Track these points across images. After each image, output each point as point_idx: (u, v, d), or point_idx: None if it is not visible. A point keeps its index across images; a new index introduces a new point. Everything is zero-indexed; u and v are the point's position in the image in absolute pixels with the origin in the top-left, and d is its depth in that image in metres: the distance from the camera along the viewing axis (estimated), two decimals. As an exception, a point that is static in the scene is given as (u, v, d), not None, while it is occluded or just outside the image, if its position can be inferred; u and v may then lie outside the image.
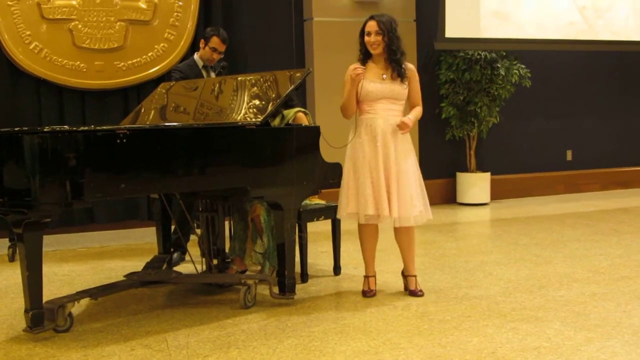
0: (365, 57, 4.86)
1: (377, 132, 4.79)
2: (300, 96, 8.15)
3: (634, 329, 4.11)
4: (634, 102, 10.85)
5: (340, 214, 4.97)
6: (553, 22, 9.50)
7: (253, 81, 5.17)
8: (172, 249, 5.61)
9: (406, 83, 4.85)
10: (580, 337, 3.99)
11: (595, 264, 5.80)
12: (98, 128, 3.97)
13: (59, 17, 7.33)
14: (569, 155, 10.53)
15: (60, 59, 7.35)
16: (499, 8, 9.22)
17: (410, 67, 4.91)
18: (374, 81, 4.81)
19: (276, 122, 5.29)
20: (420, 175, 4.94)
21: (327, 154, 4.89)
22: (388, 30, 4.81)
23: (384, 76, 4.82)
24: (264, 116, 4.67)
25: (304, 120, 5.34)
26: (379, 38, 4.79)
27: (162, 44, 7.70)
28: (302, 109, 5.47)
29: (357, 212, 4.83)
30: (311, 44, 8.59)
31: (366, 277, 5.03)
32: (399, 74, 4.82)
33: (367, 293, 4.96)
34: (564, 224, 7.86)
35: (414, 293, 4.93)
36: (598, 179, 10.65)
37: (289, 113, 5.36)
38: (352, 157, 4.88)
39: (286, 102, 5.16)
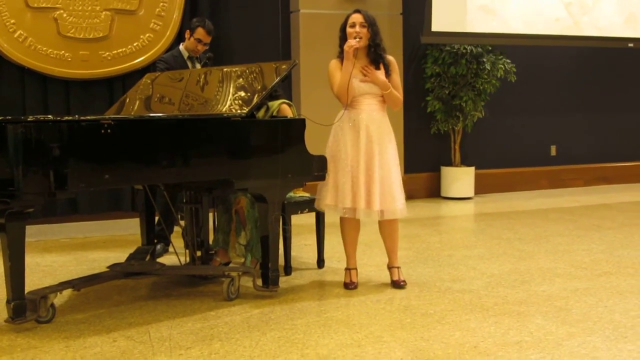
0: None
1: (361, 127, 4.81)
2: (286, 88, 8.14)
3: (614, 324, 4.14)
4: (619, 98, 10.89)
5: (318, 205, 5.01)
6: (539, 17, 9.52)
7: (239, 72, 5.15)
8: (155, 241, 5.59)
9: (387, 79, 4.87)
10: (562, 332, 4.01)
11: (578, 259, 5.83)
12: (82, 118, 3.94)
13: (43, 5, 7.28)
14: (553, 151, 10.57)
15: (44, 48, 7.30)
16: (486, 2, 9.22)
17: (390, 59, 4.94)
18: (356, 77, 4.82)
19: (261, 113, 5.28)
20: (399, 170, 4.96)
21: (312, 146, 4.88)
22: (372, 24, 4.85)
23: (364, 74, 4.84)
24: (249, 108, 4.66)
25: (288, 112, 5.33)
26: (364, 30, 4.81)
27: (147, 34, 7.67)
28: (287, 101, 5.46)
29: (336, 205, 4.85)
30: (297, 36, 8.57)
31: (347, 269, 5.06)
32: (385, 69, 4.83)
33: (349, 285, 4.97)
34: (547, 219, 7.89)
35: (397, 284, 4.96)
36: (582, 175, 10.69)
37: (273, 105, 5.35)
38: (333, 150, 4.90)
39: (271, 93, 5.15)
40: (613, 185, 10.78)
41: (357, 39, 4.79)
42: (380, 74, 4.83)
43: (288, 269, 5.37)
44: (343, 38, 4.89)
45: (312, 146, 4.88)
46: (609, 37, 9.96)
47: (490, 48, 9.38)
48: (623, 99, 10.93)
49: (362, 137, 4.80)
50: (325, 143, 5.00)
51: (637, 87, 11.03)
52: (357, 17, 4.85)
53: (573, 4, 9.67)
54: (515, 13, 9.40)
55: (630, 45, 10.12)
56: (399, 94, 4.93)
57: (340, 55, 4.90)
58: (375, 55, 4.86)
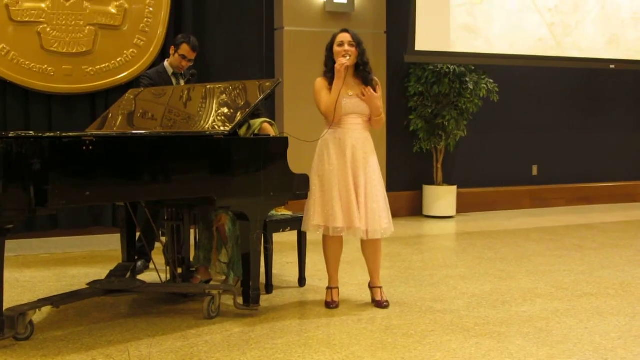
0: (332, 71, 4.86)
1: (347, 146, 4.81)
2: (269, 106, 8.14)
3: (595, 346, 4.14)
4: (600, 118, 10.97)
5: (306, 227, 4.97)
6: (522, 37, 9.60)
7: (222, 89, 5.15)
8: (136, 257, 5.57)
9: None
10: (543, 353, 4.01)
11: (559, 279, 5.84)
12: (64, 135, 3.91)
13: (27, 19, 7.24)
14: (535, 170, 10.62)
15: (27, 62, 7.26)
16: (469, 22, 9.29)
17: (376, 79, 4.94)
18: (345, 96, 4.82)
19: (242, 131, 5.27)
20: (384, 188, 4.97)
21: (295, 164, 4.88)
22: (360, 43, 4.86)
23: (350, 93, 4.83)
24: (232, 126, 4.66)
25: (269, 131, 5.32)
26: (353, 49, 4.82)
27: (131, 50, 7.65)
28: (268, 120, 5.45)
29: (324, 225, 4.83)
30: (281, 54, 8.59)
31: (329, 288, 5.04)
32: (369, 86, 4.84)
33: (331, 304, 4.96)
34: (529, 239, 7.91)
35: (380, 304, 4.95)
36: (563, 194, 10.75)
37: (255, 123, 5.34)
38: (319, 170, 4.89)
39: (253, 112, 5.14)
40: (595, 205, 10.84)
41: (347, 57, 4.80)
42: (378, 99, 4.84)
43: (269, 288, 5.35)
44: (330, 57, 4.90)
45: (295, 164, 4.88)
46: (592, 58, 10.05)
47: (473, 67, 9.43)
48: (605, 120, 11.01)
49: (348, 156, 4.81)
50: (309, 161, 4.99)
51: (618, 107, 11.11)
52: (345, 36, 4.86)
53: (556, 25, 9.76)
54: (498, 33, 9.48)
55: (612, 66, 10.22)
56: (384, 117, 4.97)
57: (327, 75, 4.90)
58: (364, 73, 4.86)
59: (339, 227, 4.78)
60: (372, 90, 4.82)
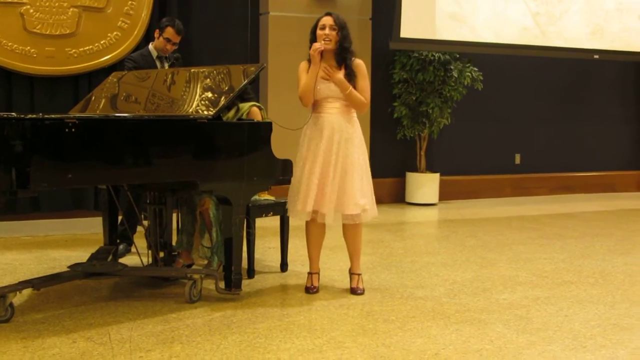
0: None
1: (323, 130, 4.82)
2: (254, 91, 8.10)
3: (574, 333, 4.18)
4: (583, 108, 11.02)
5: (290, 213, 4.97)
6: (507, 26, 9.60)
7: (206, 73, 5.13)
8: (118, 240, 5.55)
9: (352, 82, 4.86)
10: (522, 340, 4.04)
11: (539, 267, 5.88)
12: (46, 116, 3.89)
13: (10, 0, 7.18)
14: (518, 159, 10.66)
15: (9, 43, 7.20)
16: (455, 10, 9.28)
17: (358, 62, 4.92)
18: (321, 80, 4.82)
19: (231, 114, 5.25)
20: (369, 171, 4.96)
21: (279, 149, 4.88)
22: (342, 27, 4.85)
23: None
24: (215, 110, 4.65)
25: (257, 116, 5.31)
26: (333, 33, 4.82)
27: (115, 32, 7.60)
28: (257, 104, 5.44)
29: (303, 209, 4.82)
30: (266, 38, 8.56)
31: (310, 273, 5.05)
32: (348, 74, 4.83)
33: (310, 289, 4.97)
34: (510, 227, 7.95)
35: (354, 291, 4.96)
36: (545, 183, 10.80)
37: (244, 107, 5.32)
38: (301, 155, 4.90)
39: (241, 95, 5.13)
40: (576, 194, 10.90)
41: (325, 42, 4.79)
42: (340, 73, 4.83)
43: (251, 272, 5.35)
44: (313, 40, 4.89)
45: (279, 149, 4.88)
46: (575, 48, 10.06)
47: (457, 55, 9.44)
48: (587, 110, 11.06)
49: (323, 140, 4.81)
50: (292, 146, 4.99)
51: (601, 98, 11.16)
52: (327, 20, 4.86)
53: (541, 15, 9.77)
54: (483, 22, 9.47)
55: (596, 56, 10.23)
56: (362, 97, 4.90)
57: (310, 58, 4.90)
58: (340, 57, 4.86)
59: (309, 212, 4.79)
60: (329, 69, 4.82)
